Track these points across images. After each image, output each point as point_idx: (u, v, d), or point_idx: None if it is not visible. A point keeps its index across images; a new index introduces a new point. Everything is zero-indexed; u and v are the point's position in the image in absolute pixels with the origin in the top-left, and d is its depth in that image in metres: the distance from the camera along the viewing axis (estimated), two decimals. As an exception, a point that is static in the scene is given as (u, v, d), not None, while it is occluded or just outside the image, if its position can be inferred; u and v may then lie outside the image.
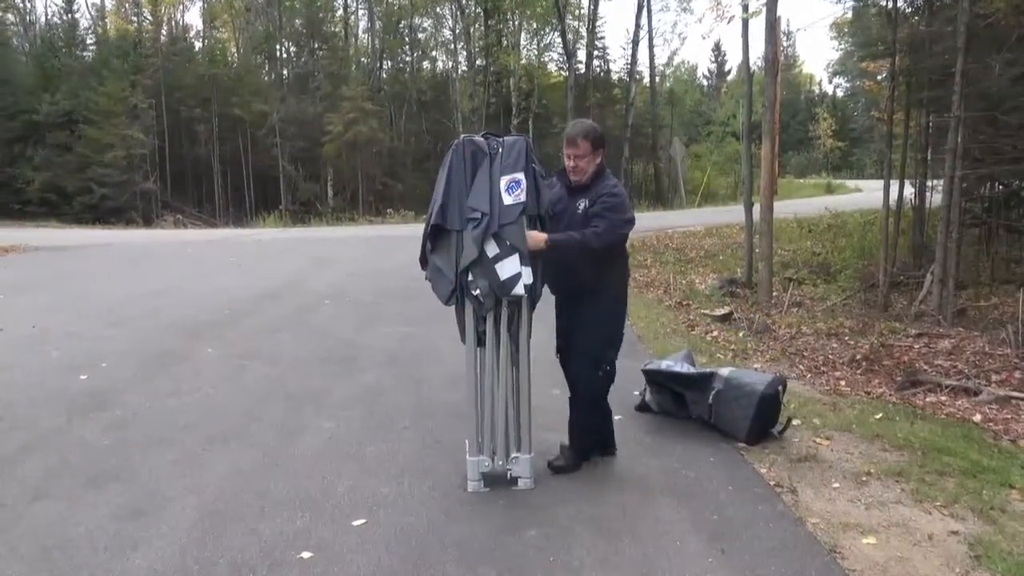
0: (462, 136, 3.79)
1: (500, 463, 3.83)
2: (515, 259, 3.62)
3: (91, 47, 38.72)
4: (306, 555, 3.18)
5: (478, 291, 3.65)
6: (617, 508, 3.58)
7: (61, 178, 31.33)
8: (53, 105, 31.81)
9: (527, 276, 3.64)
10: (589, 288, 3.94)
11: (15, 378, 6.05)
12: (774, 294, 10.34)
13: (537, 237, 3.70)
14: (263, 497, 3.75)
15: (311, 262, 14.06)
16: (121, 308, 9.09)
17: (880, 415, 5.05)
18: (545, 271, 3.81)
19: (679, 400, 4.75)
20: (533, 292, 3.72)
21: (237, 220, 32.79)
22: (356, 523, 3.45)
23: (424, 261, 3.88)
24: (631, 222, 3.94)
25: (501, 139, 3.74)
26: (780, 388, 4.54)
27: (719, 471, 4.01)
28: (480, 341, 3.77)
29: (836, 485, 3.84)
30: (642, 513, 3.53)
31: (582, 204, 3.90)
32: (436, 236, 3.73)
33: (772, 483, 3.85)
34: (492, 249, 3.64)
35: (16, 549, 3.26)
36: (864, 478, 3.93)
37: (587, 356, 3.99)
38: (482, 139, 3.75)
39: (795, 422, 4.67)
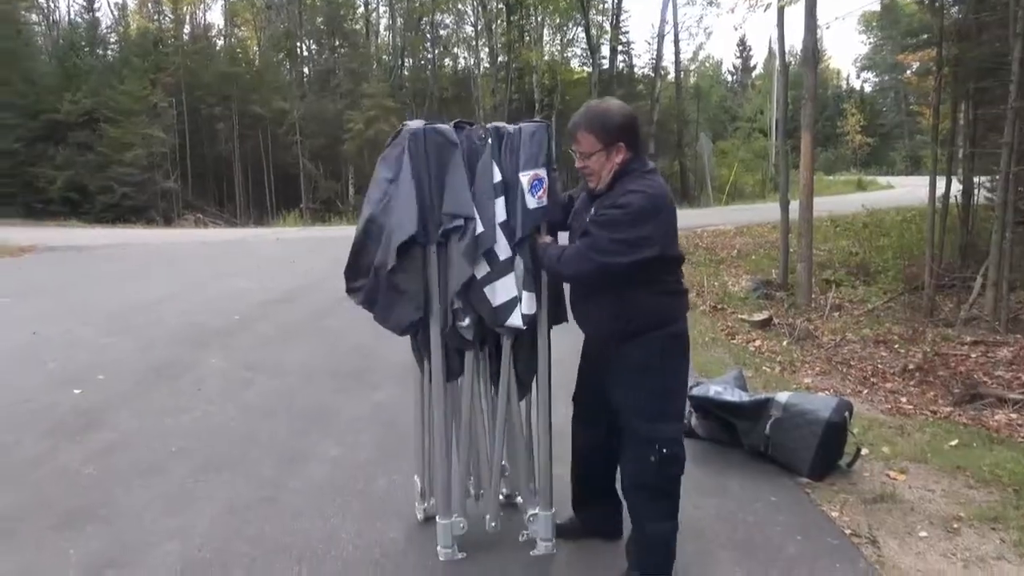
0: (418, 124, 2.94)
1: (493, 524, 3.14)
2: (510, 280, 2.90)
3: (112, 46, 38.63)
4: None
5: (467, 322, 2.93)
6: (667, 564, 3.04)
7: (83, 177, 31.19)
8: (74, 104, 31.65)
9: (528, 304, 2.91)
10: (615, 330, 2.81)
11: (4, 393, 5.59)
12: (812, 296, 9.76)
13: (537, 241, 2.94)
14: (256, 544, 3.25)
15: (329, 262, 13.56)
16: (128, 313, 8.67)
17: (955, 441, 4.48)
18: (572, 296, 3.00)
19: (729, 428, 4.20)
20: (536, 322, 2.98)
21: (258, 219, 32.52)
22: (361, 581, 2.95)
23: (352, 275, 3.12)
24: (633, 247, 2.61)
25: (483, 126, 3.00)
26: (847, 414, 3.98)
27: (784, 515, 3.45)
28: (451, 375, 3.06)
29: (923, 534, 3.28)
30: (698, 571, 2.98)
31: (589, 215, 2.81)
32: (404, 251, 2.89)
33: (847, 531, 3.28)
34: (481, 268, 2.90)
35: (-36, 611, 2.80)
36: (955, 524, 3.36)
37: (631, 432, 2.82)
38: (449, 127, 2.95)
39: (863, 451, 4.11)
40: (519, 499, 3.39)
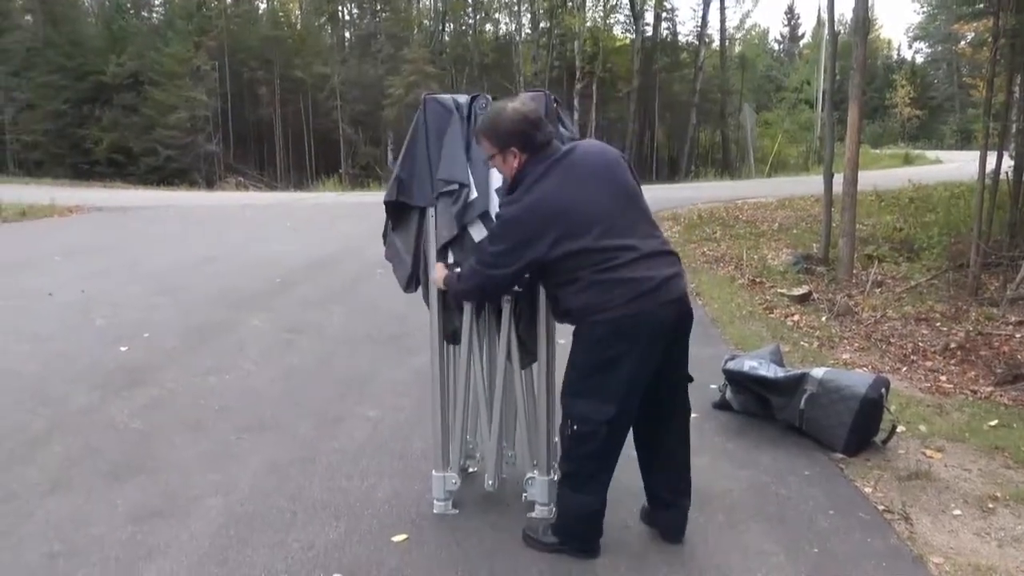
0: (424, 95, 3.14)
1: (491, 483, 3.21)
2: None
3: (157, 8, 38.99)
4: (336, 579, 2.77)
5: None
6: (698, 533, 3.04)
7: (127, 139, 31.74)
8: (119, 66, 32.08)
9: None
10: (565, 321, 2.86)
11: (55, 349, 5.79)
12: (853, 272, 9.62)
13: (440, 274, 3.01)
14: (296, 500, 3.35)
15: (368, 228, 13.65)
16: (172, 274, 8.86)
17: (995, 421, 4.42)
18: None
19: (764, 402, 4.20)
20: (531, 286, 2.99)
21: (298, 183, 32.81)
22: (397, 539, 3.01)
23: (385, 237, 3.29)
24: (508, 257, 2.67)
25: (487, 97, 3.08)
26: (884, 390, 3.95)
27: (816, 489, 3.45)
28: (455, 338, 3.19)
29: (957, 512, 3.26)
30: (728, 541, 3.00)
31: None
32: (395, 213, 3.16)
33: (880, 507, 3.27)
34: (479, 232, 2.96)
35: (20, 555, 2.92)
36: (990, 504, 3.33)
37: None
38: (447, 97, 3.08)
39: (899, 429, 4.08)
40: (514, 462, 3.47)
